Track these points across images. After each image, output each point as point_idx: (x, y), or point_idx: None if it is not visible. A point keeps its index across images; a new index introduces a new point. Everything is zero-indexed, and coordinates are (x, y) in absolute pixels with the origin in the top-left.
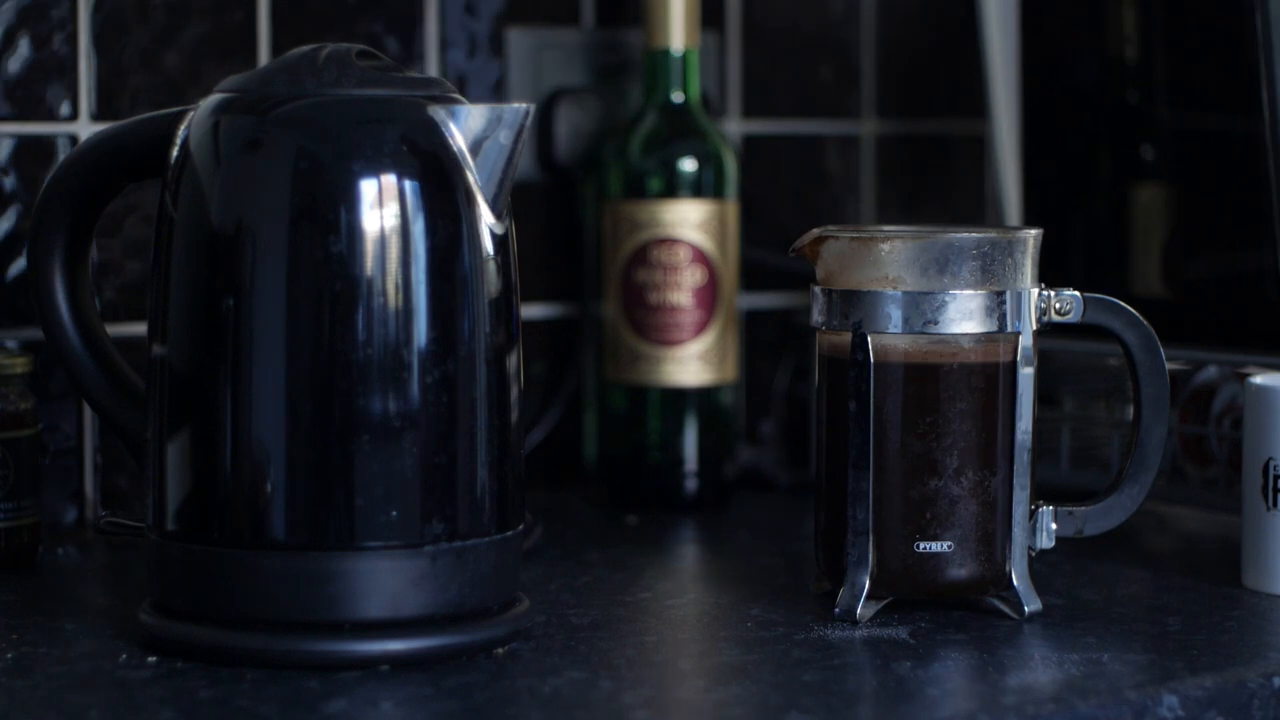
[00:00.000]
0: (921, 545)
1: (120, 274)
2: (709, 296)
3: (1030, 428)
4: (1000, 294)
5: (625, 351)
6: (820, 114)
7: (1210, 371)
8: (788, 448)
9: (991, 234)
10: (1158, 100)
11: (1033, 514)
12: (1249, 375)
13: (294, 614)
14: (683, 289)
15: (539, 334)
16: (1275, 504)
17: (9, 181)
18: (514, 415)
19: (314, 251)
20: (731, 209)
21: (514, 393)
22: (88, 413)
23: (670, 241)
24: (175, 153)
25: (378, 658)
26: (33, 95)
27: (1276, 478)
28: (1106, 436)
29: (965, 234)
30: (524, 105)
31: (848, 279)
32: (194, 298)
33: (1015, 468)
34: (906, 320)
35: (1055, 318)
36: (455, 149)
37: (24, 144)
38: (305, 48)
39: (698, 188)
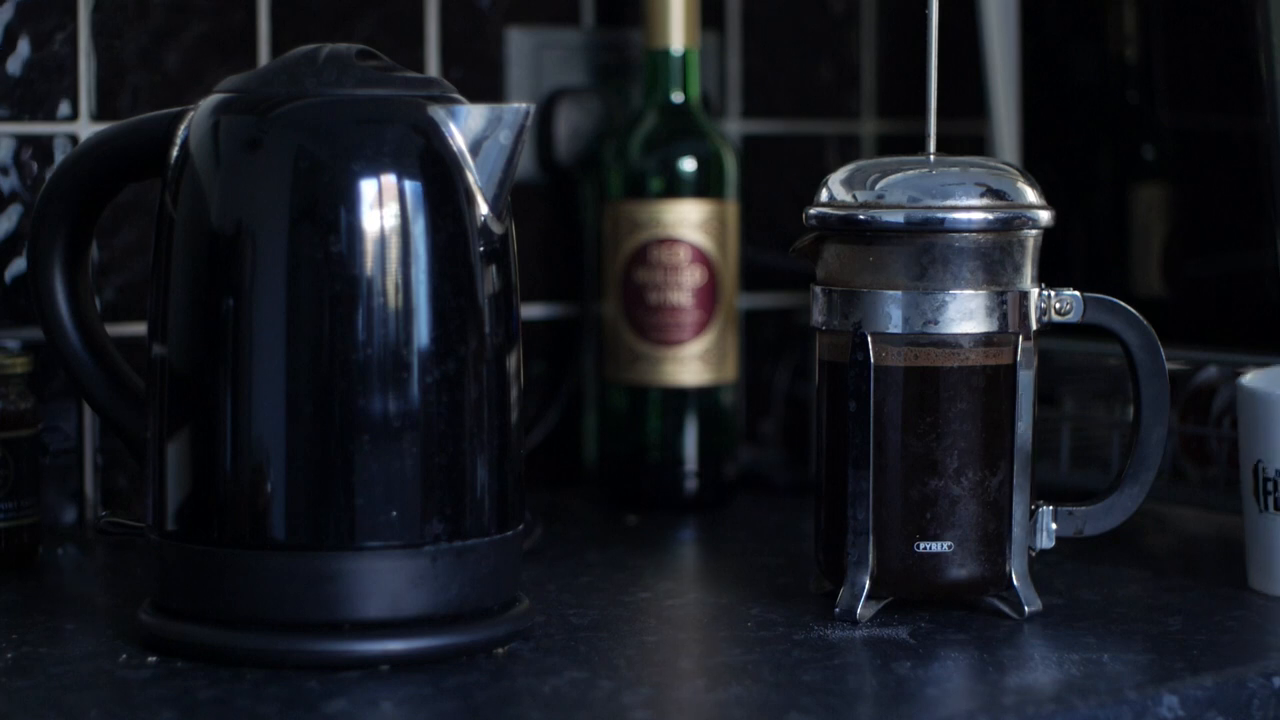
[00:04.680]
0: (921, 545)
1: (120, 274)
2: (709, 296)
3: (1030, 428)
4: (1000, 294)
5: (625, 351)
6: (820, 114)
7: (1210, 371)
8: (788, 448)
9: (992, 234)
10: (1158, 100)
11: (1033, 514)
12: (1241, 375)
13: (294, 614)
14: (683, 289)
15: (539, 334)
16: (1266, 506)
17: (9, 181)
18: (514, 415)
19: (314, 251)
20: (731, 209)
21: (514, 393)
22: (88, 413)
23: (670, 241)
24: (175, 153)
25: (378, 658)
26: (33, 95)
27: (1266, 480)
28: (1106, 436)
29: (966, 233)
30: (524, 105)
31: (848, 279)
32: (194, 298)
33: (1015, 468)
34: (906, 320)
35: (1055, 318)
36: (455, 149)
37: (24, 144)
38: (305, 48)
39: (698, 188)
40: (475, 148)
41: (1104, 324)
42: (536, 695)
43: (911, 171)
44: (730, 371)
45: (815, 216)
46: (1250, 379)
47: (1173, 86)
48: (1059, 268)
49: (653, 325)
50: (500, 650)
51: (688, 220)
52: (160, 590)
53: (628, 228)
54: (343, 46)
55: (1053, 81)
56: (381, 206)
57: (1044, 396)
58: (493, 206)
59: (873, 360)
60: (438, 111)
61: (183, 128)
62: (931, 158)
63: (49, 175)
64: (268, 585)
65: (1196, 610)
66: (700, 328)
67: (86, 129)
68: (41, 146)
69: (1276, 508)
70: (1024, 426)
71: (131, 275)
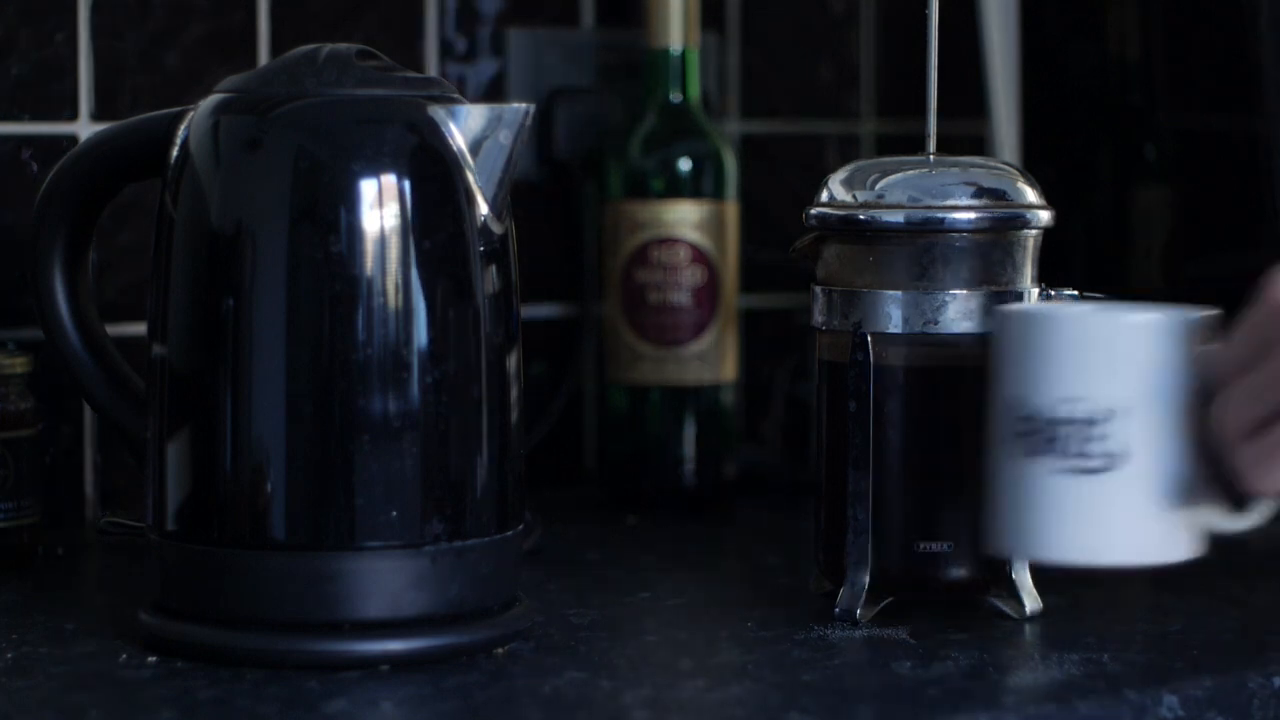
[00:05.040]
0: (921, 545)
1: (120, 274)
2: (709, 296)
3: None
4: (1000, 294)
5: (625, 351)
6: (820, 114)
7: None
8: (788, 448)
9: (992, 234)
10: (1158, 100)
11: None
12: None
13: (294, 614)
14: (683, 289)
15: (539, 334)
16: (1015, 452)
17: (9, 181)
18: (514, 415)
19: (314, 251)
20: (731, 209)
21: (514, 393)
22: (88, 413)
23: (670, 241)
24: (175, 153)
25: (378, 658)
26: (33, 95)
27: (1017, 419)
28: None
29: (966, 233)
30: (524, 105)
31: (848, 279)
32: (194, 298)
33: None
34: (906, 320)
35: None
36: (455, 149)
37: (24, 144)
38: (305, 48)
39: (698, 188)
40: (475, 148)
41: None
42: (536, 695)
43: (911, 171)
44: (730, 371)
45: (815, 216)
46: (1010, 306)
47: (1173, 86)
48: (1059, 268)
49: (653, 325)
50: (500, 650)
51: (688, 220)
52: (160, 590)
53: (628, 228)
54: (343, 46)
55: (1053, 81)
56: (381, 206)
57: None
58: (492, 206)
59: (873, 360)
60: (438, 111)
61: (183, 128)
62: (931, 158)
63: (49, 175)
64: (268, 585)
65: (1196, 610)
66: (700, 328)
67: (86, 129)
68: (41, 146)
69: (1026, 454)
70: None
71: (131, 275)
